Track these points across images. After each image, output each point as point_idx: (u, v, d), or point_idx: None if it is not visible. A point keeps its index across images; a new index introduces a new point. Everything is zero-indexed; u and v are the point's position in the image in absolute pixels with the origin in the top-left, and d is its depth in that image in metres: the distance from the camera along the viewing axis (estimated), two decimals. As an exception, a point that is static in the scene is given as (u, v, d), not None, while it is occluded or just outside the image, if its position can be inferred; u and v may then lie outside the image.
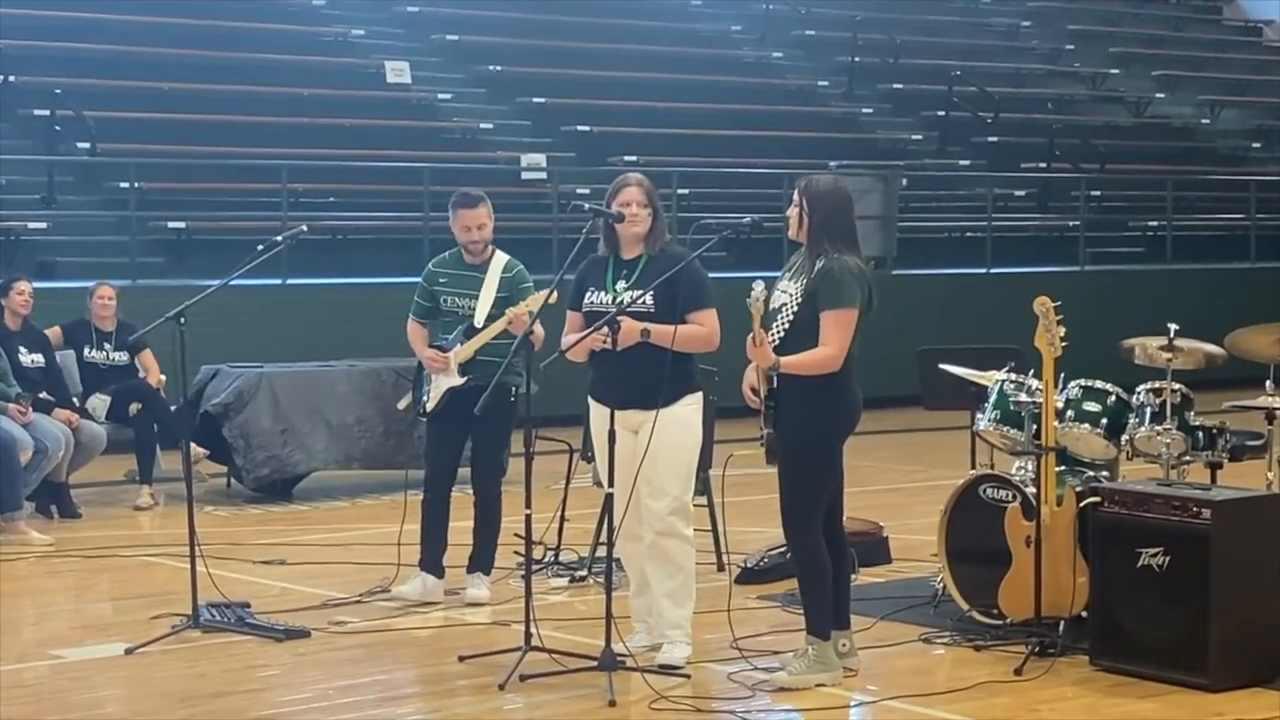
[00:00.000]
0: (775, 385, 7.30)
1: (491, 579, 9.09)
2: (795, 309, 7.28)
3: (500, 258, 8.99)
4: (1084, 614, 7.85)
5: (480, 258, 8.97)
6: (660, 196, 7.87)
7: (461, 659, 7.81)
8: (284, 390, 12.49)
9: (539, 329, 8.45)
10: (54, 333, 12.26)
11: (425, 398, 9.01)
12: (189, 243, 16.63)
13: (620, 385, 7.53)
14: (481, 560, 9.03)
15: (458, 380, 8.84)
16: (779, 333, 7.29)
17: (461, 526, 9.08)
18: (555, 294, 8.29)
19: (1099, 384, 8.48)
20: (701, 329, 7.61)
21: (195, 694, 7.39)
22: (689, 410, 7.68)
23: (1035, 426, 8.22)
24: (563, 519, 9.63)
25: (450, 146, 19.49)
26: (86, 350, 12.36)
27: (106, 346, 12.40)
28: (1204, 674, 7.29)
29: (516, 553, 9.16)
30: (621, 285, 7.67)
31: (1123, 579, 7.53)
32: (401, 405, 9.50)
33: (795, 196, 7.45)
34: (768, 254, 15.88)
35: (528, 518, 7.68)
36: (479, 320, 8.83)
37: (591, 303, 7.73)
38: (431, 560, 8.97)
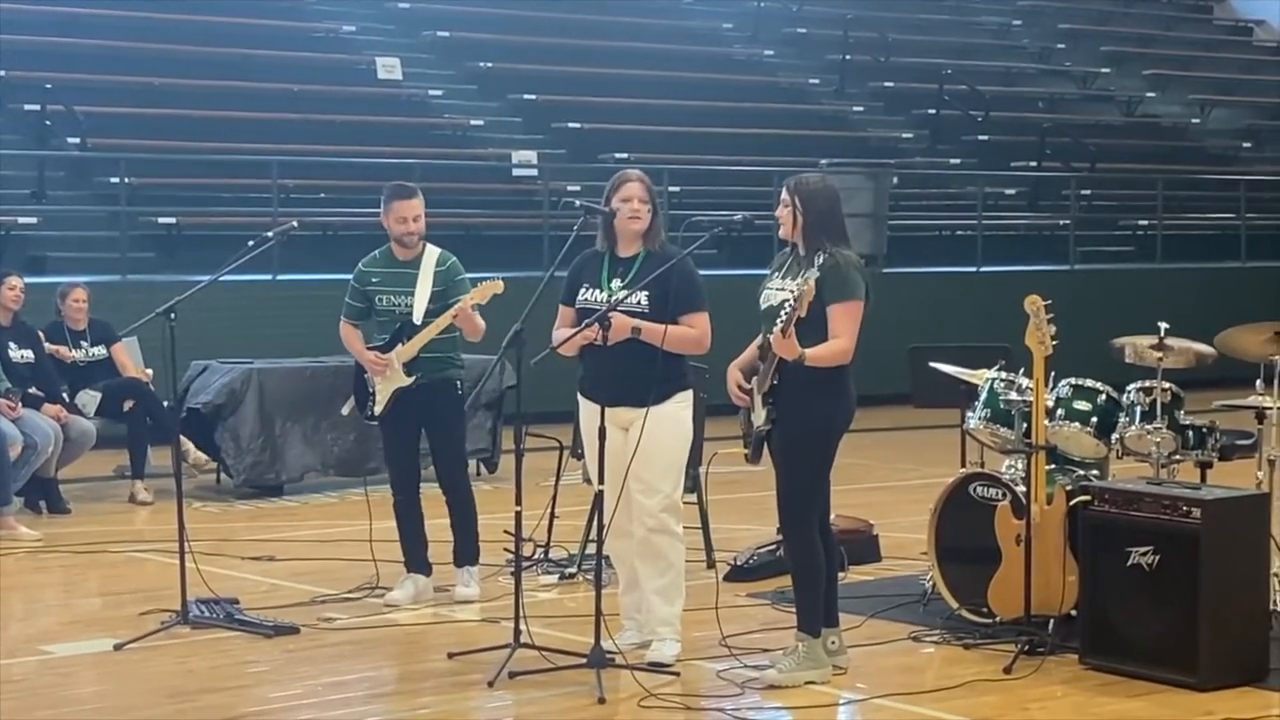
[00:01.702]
0: (777, 382, 7.29)
1: (482, 576, 9.07)
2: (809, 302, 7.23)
3: (432, 251, 8.83)
4: (1073, 613, 7.84)
5: (413, 252, 8.80)
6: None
7: (450, 656, 7.80)
8: (271, 391, 12.47)
9: (479, 320, 8.51)
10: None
11: (371, 401, 8.88)
12: (179, 238, 16.63)
13: (611, 383, 7.53)
14: (466, 553, 8.97)
15: (405, 380, 8.71)
16: (791, 328, 7.24)
17: (439, 524, 9.05)
18: (504, 284, 8.40)
19: (1089, 383, 8.48)
20: (693, 331, 7.59)
21: (184, 690, 7.38)
22: (680, 408, 7.66)
23: (1025, 425, 8.22)
24: (553, 516, 9.63)
25: (441, 143, 19.50)
26: (64, 351, 12.34)
27: (83, 344, 12.41)
28: (1193, 673, 7.29)
29: (506, 549, 9.17)
30: (617, 283, 7.64)
31: (1112, 578, 7.53)
32: (345, 410, 9.21)
33: (785, 196, 7.43)
34: (758, 252, 15.89)
35: (518, 514, 7.67)
36: (417, 318, 8.69)
37: (586, 299, 7.70)
38: (417, 560, 8.94)
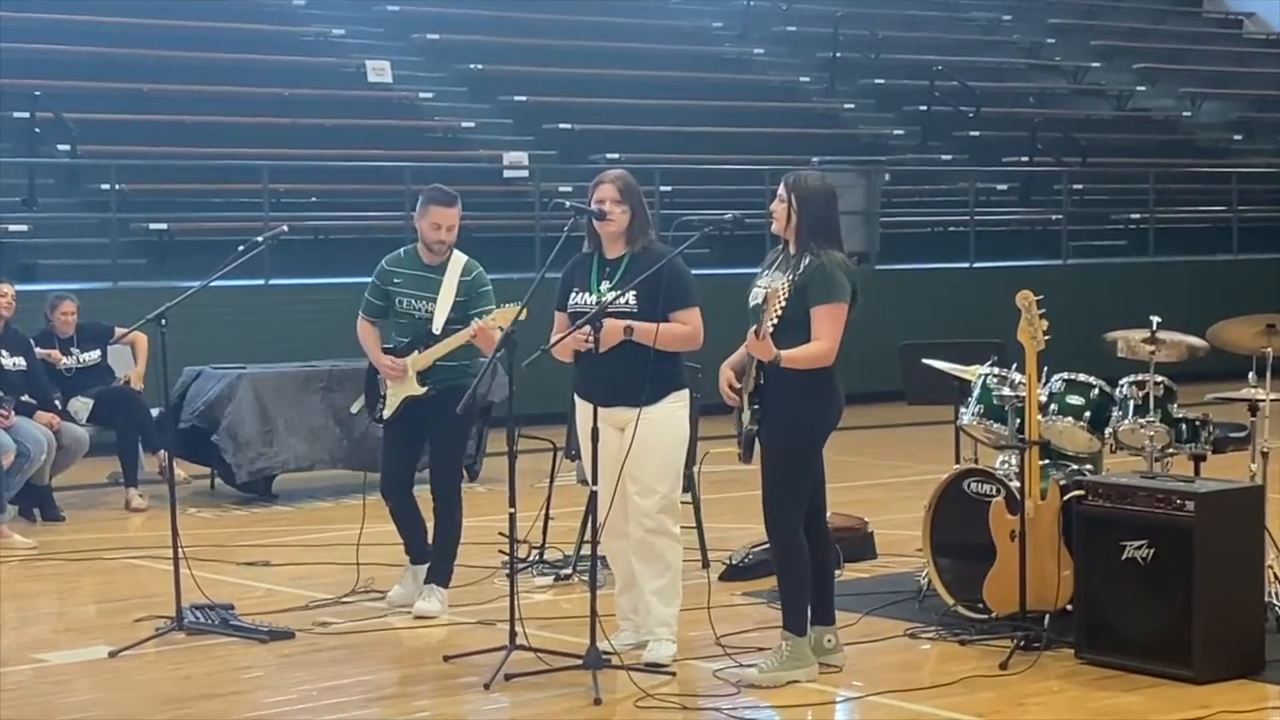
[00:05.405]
0: (762, 382, 7.28)
1: (477, 579, 9.06)
2: (783, 304, 7.25)
3: (459, 259, 8.65)
4: (1069, 607, 7.85)
5: (439, 258, 8.62)
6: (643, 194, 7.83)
7: (446, 659, 7.80)
8: (266, 391, 12.47)
9: (497, 336, 8.33)
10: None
11: (381, 404, 8.77)
12: (170, 244, 16.60)
13: (606, 383, 7.51)
14: (439, 572, 8.74)
15: (417, 389, 8.58)
16: (767, 328, 7.27)
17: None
18: (525, 310, 7.89)
19: (1082, 377, 8.48)
20: (684, 328, 7.58)
21: (180, 696, 7.37)
22: (676, 408, 7.65)
23: (1019, 420, 8.22)
24: (547, 517, 9.62)
25: (432, 145, 19.48)
26: (56, 354, 12.32)
27: (74, 351, 12.40)
28: (1189, 666, 7.29)
29: (501, 551, 9.16)
30: (605, 285, 7.62)
31: (1107, 572, 7.53)
32: (354, 409, 9.08)
33: (782, 192, 7.42)
34: (750, 250, 15.87)
35: (512, 516, 7.66)
36: (437, 326, 8.52)
37: (576, 303, 7.69)
38: (416, 549, 8.84)
